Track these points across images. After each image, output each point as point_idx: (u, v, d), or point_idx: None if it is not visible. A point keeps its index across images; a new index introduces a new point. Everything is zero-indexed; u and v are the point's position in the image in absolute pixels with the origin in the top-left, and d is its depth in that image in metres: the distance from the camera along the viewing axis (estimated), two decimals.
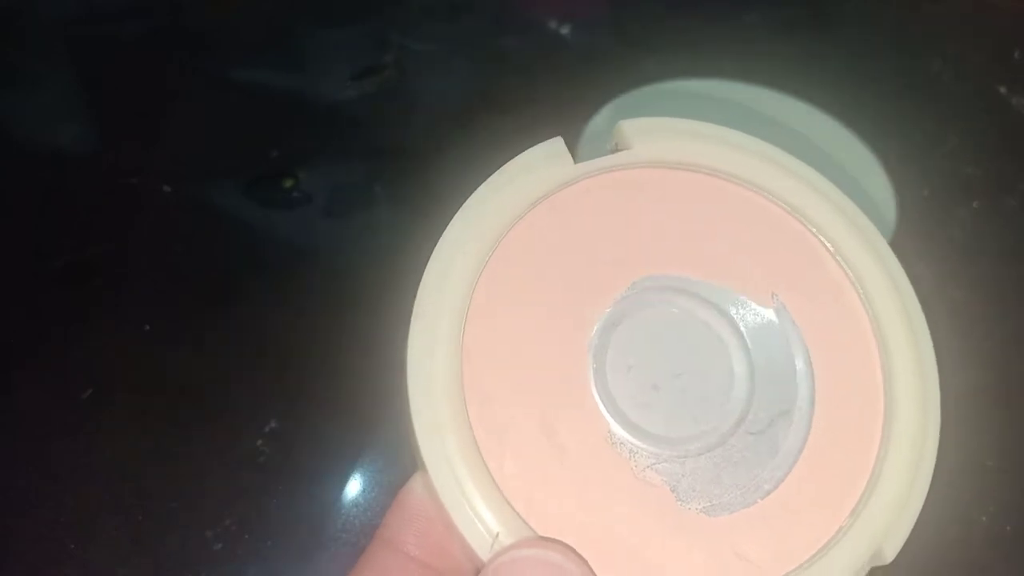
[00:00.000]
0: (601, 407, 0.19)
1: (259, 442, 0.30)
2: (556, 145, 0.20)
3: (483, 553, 0.17)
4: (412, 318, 0.19)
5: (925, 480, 0.19)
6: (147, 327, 0.32)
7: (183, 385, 0.31)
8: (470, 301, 0.19)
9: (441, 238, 0.19)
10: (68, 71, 0.40)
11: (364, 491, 0.30)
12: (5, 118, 0.38)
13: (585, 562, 0.17)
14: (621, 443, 0.19)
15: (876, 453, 0.19)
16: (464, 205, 0.20)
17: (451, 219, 0.20)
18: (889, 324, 0.20)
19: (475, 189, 0.20)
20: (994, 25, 0.43)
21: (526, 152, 0.20)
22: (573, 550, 0.17)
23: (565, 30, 0.40)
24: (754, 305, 0.20)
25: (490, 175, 0.20)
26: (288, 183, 0.36)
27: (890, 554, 0.19)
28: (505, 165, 0.20)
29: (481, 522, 0.18)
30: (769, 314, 0.20)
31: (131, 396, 0.31)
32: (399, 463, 0.31)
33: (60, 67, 0.40)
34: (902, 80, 0.40)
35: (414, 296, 0.19)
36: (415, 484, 0.19)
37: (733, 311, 0.20)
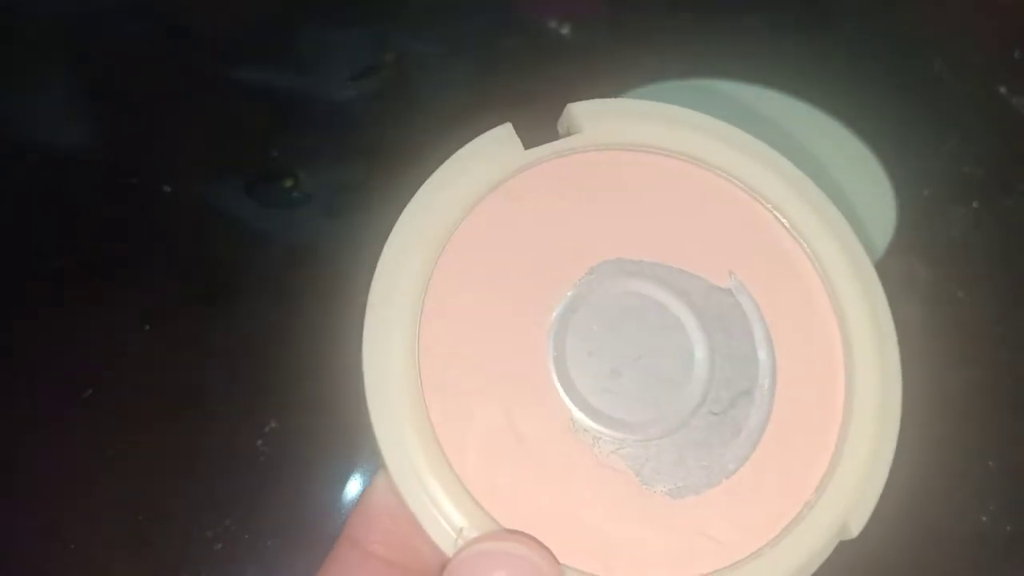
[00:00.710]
0: (562, 394, 0.19)
1: (259, 442, 0.30)
2: (506, 131, 0.20)
3: (447, 549, 0.17)
4: (366, 313, 0.18)
5: (888, 453, 0.19)
6: (147, 327, 0.32)
7: (183, 385, 0.31)
8: (425, 293, 0.19)
9: (393, 230, 0.19)
10: (68, 71, 0.40)
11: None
12: (5, 118, 0.38)
13: (550, 553, 0.17)
14: (584, 430, 0.19)
15: (838, 428, 0.19)
16: (415, 195, 0.19)
17: (402, 210, 0.19)
18: (847, 297, 0.20)
19: (426, 178, 0.20)
20: (994, 25, 0.43)
21: (475, 140, 0.20)
22: (538, 542, 0.17)
23: (565, 30, 0.40)
24: (711, 284, 0.20)
25: (441, 164, 0.20)
26: (288, 183, 0.36)
27: (855, 528, 0.19)
28: (455, 153, 0.20)
29: (444, 517, 0.17)
30: (727, 293, 0.20)
31: (131, 396, 0.31)
32: None
33: (60, 67, 0.40)
34: (902, 80, 0.40)
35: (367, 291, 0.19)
36: (378, 482, 0.19)
37: (690, 291, 0.20)
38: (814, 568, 0.19)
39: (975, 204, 0.37)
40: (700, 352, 0.19)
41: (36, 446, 0.30)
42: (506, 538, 0.17)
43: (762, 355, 0.19)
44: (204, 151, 0.37)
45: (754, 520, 0.18)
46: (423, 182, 0.20)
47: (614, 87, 0.37)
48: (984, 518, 0.30)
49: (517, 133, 0.20)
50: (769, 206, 0.20)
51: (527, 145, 0.20)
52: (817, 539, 0.18)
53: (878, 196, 0.36)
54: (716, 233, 0.20)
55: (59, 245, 0.34)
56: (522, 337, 0.19)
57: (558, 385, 0.19)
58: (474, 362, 0.19)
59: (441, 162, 0.20)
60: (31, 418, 0.31)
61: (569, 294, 0.19)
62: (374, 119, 0.38)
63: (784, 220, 0.20)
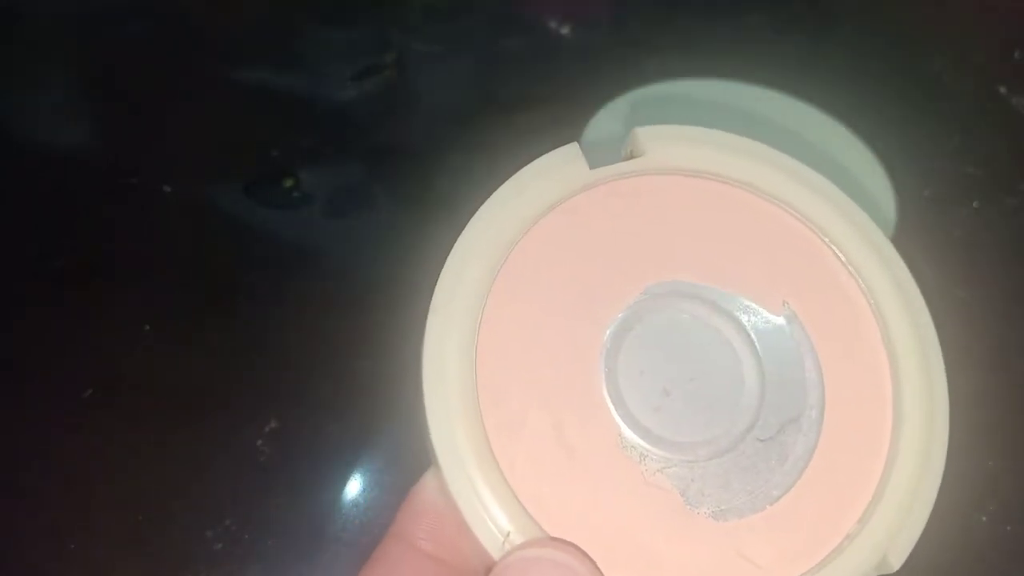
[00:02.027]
0: (612, 410, 0.19)
1: (259, 442, 0.30)
2: (571, 151, 0.21)
3: (494, 552, 0.18)
4: (428, 316, 0.19)
5: (932, 488, 0.19)
6: (147, 327, 0.32)
7: (183, 385, 0.31)
8: (485, 303, 0.19)
9: (457, 241, 0.20)
10: (69, 71, 0.40)
11: (364, 491, 0.30)
12: (5, 118, 0.38)
13: (594, 563, 0.18)
14: (631, 447, 0.19)
15: (884, 460, 0.19)
16: (480, 209, 0.20)
17: (467, 222, 0.20)
18: (898, 333, 0.20)
19: (491, 192, 0.20)
20: (994, 25, 0.43)
21: (542, 157, 0.20)
22: (582, 551, 0.18)
23: (565, 30, 0.40)
24: (765, 312, 0.20)
25: (507, 179, 0.20)
26: (288, 183, 0.36)
27: (896, 562, 0.19)
28: (521, 170, 0.20)
29: (492, 520, 0.18)
30: (780, 321, 0.20)
31: (131, 396, 0.31)
32: (399, 463, 0.31)
33: (60, 67, 0.40)
34: (902, 80, 0.40)
35: (431, 296, 0.19)
36: (427, 481, 0.19)
37: (744, 318, 0.20)
38: None
39: (976, 204, 0.37)
40: (751, 377, 0.20)
41: (36, 446, 0.30)
42: (551, 546, 0.17)
43: (811, 384, 0.20)
44: (204, 151, 0.37)
45: (795, 547, 0.19)
46: (485, 194, 0.20)
47: (614, 87, 0.37)
48: (984, 518, 0.30)
49: (583, 153, 0.21)
50: (827, 239, 0.21)
51: (592, 165, 0.21)
52: (856, 570, 0.19)
53: (878, 196, 0.36)
54: (772, 262, 0.20)
55: (59, 245, 0.34)
56: (576, 352, 0.19)
57: (609, 401, 0.19)
58: (528, 373, 0.19)
59: (490, 173, 0.20)
60: (31, 418, 0.31)
61: (624, 313, 0.20)
62: (374, 119, 0.38)
63: (841, 255, 0.21)
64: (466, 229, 0.20)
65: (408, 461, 0.31)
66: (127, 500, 0.29)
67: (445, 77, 0.40)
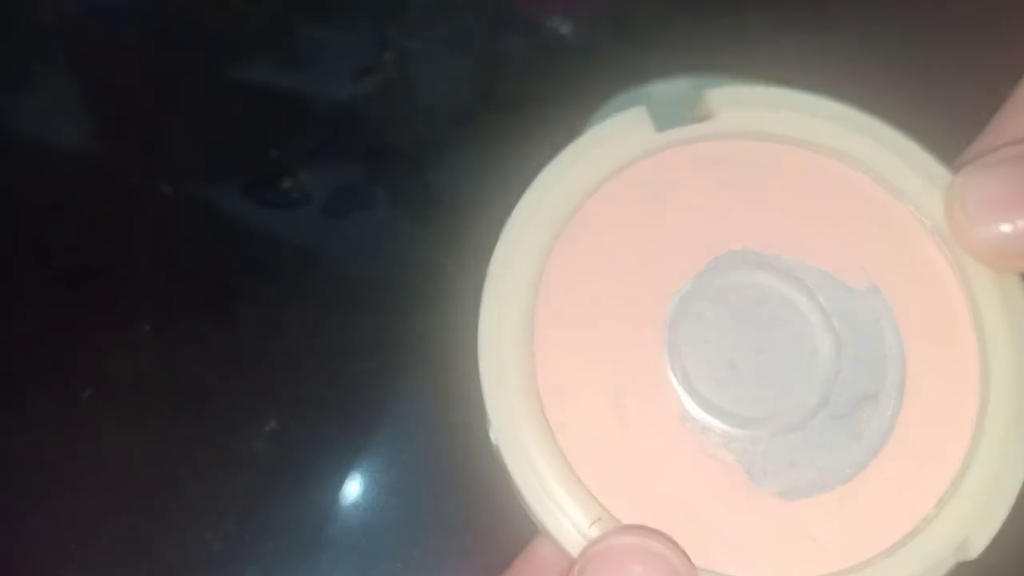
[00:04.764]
0: (675, 383, 0.18)
1: (259, 442, 0.30)
2: (638, 114, 0.20)
3: (552, 530, 0.17)
4: (484, 286, 0.18)
5: (1019, 473, 0.18)
6: (147, 327, 0.32)
7: (183, 385, 0.31)
8: (543, 270, 0.18)
9: (516, 207, 0.19)
10: (68, 71, 0.40)
11: (364, 491, 0.30)
12: (5, 118, 0.38)
13: (686, 555, 0.17)
14: (694, 420, 0.18)
15: (968, 442, 0.18)
16: (540, 173, 0.19)
17: (527, 187, 0.19)
18: (988, 309, 0.19)
19: (545, 162, 0.19)
20: (997, 25, 0.43)
21: (607, 121, 0.20)
22: (675, 542, 0.17)
23: (565, 30, 0.40)
24: (844, 283, 0.19)
25: (571, 142, 0.19)
26: (288, 183, 0.36)
27: (976, 549, 0.18)
28: (585, 133, 0.19)
29: (553, 498, 0.17)
30: (859, 293, 0.19)
31: (131, 396, 0.31)
32: (399, 463, 0.31)
33: (60, 67, 0.40)
34: (902, 80, 0.40)
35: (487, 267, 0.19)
36: (541, 540, 0.19)
37: (820, 289, 0.19)
38: None
39: None
40: (825, 351, 0.18)
41: (36, 446, 0.30)
42: (643, 534, 0.17)
43: (891, 359, 0.19)
44: (204, 151, 0.37)
45: (867, 529, 0.18)
46: (551, 157, 0.19)
47: (614, 86, 0.37)
48: None
49: (650, 116, 0.20)
50: (912, 207, 0.19)
51: (660, 129, 0.19)
52: (932, 555, 0.18)
53: None
54: (853, 231, 0.19)
55: (59, 245, 0.34)
56: (638, 321, 0.18)
57: (671, 373, 0.18)
58: (587, 343, 0.18)
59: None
60: (31, 418, 0.31)
61: (690, 282, 0.19)
62: (374, 119, 0.38)
63: (927, 223, 0.19)
64: (526, 193, 0.19)
65: (408, 461, 0.31)
66: (127, 500, 0.29)
67: (445, 77, 0.39)
